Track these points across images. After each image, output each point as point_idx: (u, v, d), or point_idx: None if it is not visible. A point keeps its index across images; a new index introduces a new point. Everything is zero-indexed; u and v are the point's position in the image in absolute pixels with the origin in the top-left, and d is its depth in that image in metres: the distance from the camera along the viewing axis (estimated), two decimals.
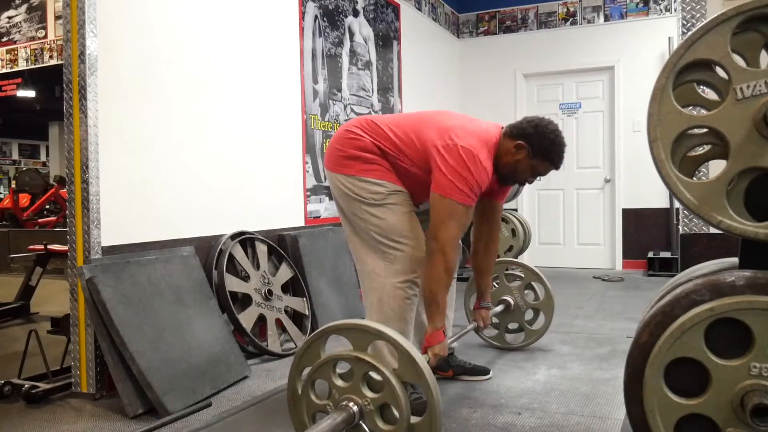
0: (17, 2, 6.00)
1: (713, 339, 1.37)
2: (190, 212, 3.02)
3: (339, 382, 1.65)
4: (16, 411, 2.41)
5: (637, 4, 6.12)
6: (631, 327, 3.48)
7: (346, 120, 4.46)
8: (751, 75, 1.36)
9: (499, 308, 3.05)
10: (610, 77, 6.26)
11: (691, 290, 1.40)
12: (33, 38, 5.95)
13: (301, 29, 4.01)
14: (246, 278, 3.19)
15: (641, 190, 6.07)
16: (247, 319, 3.05)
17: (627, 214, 6.21)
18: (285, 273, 3.46)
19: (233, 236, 3.22)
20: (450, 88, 6.59)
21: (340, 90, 4.45)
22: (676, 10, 5.75)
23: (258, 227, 3.47)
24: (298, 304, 3.46)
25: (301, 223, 3.97)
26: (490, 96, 6.71)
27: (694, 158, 1.48)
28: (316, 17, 4.16)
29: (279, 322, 3.27)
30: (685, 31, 3.41)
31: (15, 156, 18.41)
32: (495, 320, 3.12)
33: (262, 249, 3.37)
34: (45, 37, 5.89)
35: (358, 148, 2.23)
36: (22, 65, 6.07)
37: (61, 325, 2.85)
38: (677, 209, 5.58)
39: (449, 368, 2.66)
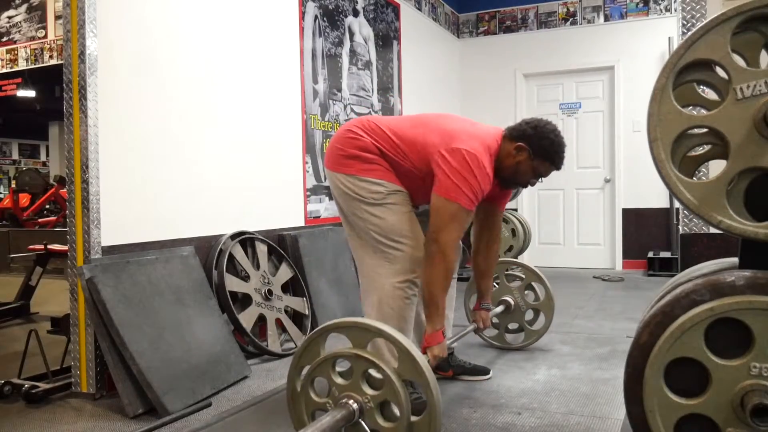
0: (17, 2, 6.00)
1: (713, 339, 1.37)
2: (190, 212, 3.02)
3: (339, 380, 1.65)
4: (16, 411, 2.41)
5: (637, 4, 6.12)
6: (631, 327, 3.48)
7: (346, 120, 4.46)
8: (751, 75, 1.36)
9: (500, 309, 3.05)
10: (610, 77, 6.26)
11: (691, 290, 1.40)
12: (33, 38, 5.95)
13: (301, 29, 4.01)
14: (246, 278, 3.19)
15: (641, 190, 6.07)
16: (247, 319, 3.05)
17: (627, 214, 6.21)
18: (285, 273, 3.46)
19: (233, 236, 3.22)
20: (450, 88, 6.59)
21: (340, 90, 4.45)
22: (676, 10, 5.75)
23: (258, 227, 3.47)
24: (298, 304, 3.46)
25: (301, 223, 3.97)
26: (490, 96, 6.71)
27: (694, 158, 1.49)
28: (316, 17, 4.16)
29: (279, 322, 3.27)
30: (685, 31, 3.41)
31: (15, 156, 18.41)
32: (495, 320, 3.12)
33: (262, 249, 3.37)
34: (45, 37, 5.89)
35: (358, 148, 2.23)
36: (22, 65, 6.07)
37: (61, 325, 2.84)
38: (677, 209, 5.58)
39: (449, 368, 2.66)
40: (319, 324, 3.42)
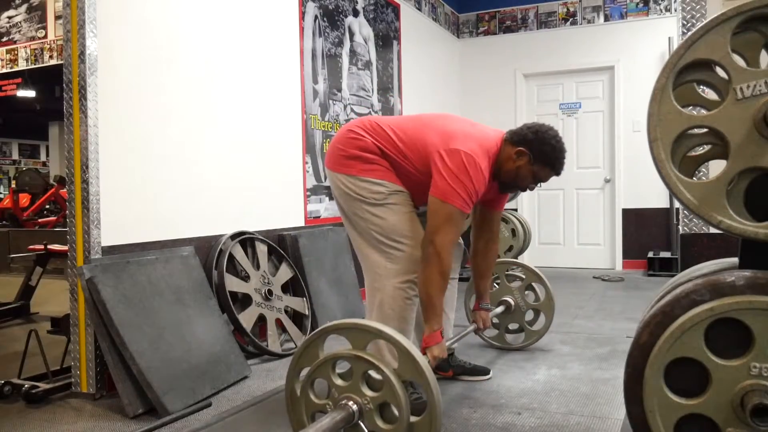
0: (17, 2, 6.00)
1: (713, 339, 1.37)
2: (190, 212, 3.02)
3: (338, 382, 1.65)
4: (16, 411, 2.41)
5: (637, 4, 6.12)
6: (631, 327, 3.48)
7: (346, 120, 4.46)
8: (751, 75, 1.36)
9: (500, 309, 3.05)
10: (610, 77, 6.26)
11: (691, 290, 1.40)
12: (33, 38, 5.95)
13: (301, 29, 4.01)
14: (246, 278, 3.19)
15: (641, 190, 6.07)
16: (247, 319, 3.05)
17: (627, 214, 6.21)
18: (285, 273, 3.46)
19: (233, 236, 3.22)
20: (450, 88, 6.59)
21: (340, 90, 4.45)
22: (676, 10, 5.75)
23: (258, 227, 3.47)
24: (298, 304, 3.46)
25: (301, 223, 3.97)
26: (490, 96, 6.71)
27: (694, 158, 1.49)
28: (316, 17, 4.16)
29: (279, 322, 3.27)
30: (685, 31, 3.41)
31: (15, 156, 18.41)
32: (495, 321, 3.12)
33: (262, 249, 3.37)
34: (45, 37, 5.89)
35: (359, 148, 2.23)
36: (22, 65, 6.07)
37: (61, 325, 2.84)
38: (677, 209, 5.58)
39: (449, 368, 2.66)
40: (319, 324, 3.42)
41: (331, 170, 2.31)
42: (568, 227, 6.52)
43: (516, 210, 6.36)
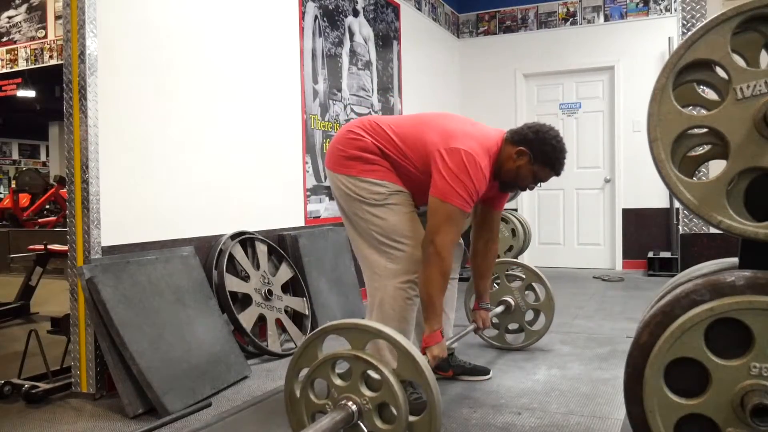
0: (17, 2, 6.00)
1: (713, 339, 1.37)
2: (190, 212, 3.02)
3: (338, 382, 1.65)
4: (16, 411, 2.41)
5: (637, 4, 6.12)
6: (631, 327, 3.48)
7: (346, 120, 4.46)
8: (751, 75, 1.36)
9: (500, 309, 3.05)
10: (610, 77, 6.26)
11: (691, 290, 1.40)
12: (33, 38, 5.95)
13: (301, 29, 4.01)
14: (246, 278, 3.19)
15: (641, 190, 6.07)
16: (247, 319, 3.05)
17: (627, 214, 6.21)
18: (285, 273, 3.46)
19: (233, 236, 3.22)
20: (450, 88, 6.59)
21: (340, 90, 4.45)
22: (676, 10, 5.75)
23: (258, 227, 3.47)
24: (298, 304, 3.46)
25: (301, 223, 3.97)
26: (490, 96, 6.71)
27: (694, 158, 1.49)
28: (316, 17, 4.16)
29: (279, 322, 3.27)
30: (685, 31, 3.41)
31: (15, 156, 18.41)
32: (495, 321, 3.12)
33: (262, 249, 3.37)
34: (45, 37, 5.90)
35: (359, 149, 2.23)
36: (22, 65, 6.08)
37: (61, 325, 2.84)
38: (677, 209, 5.58)
39: (449, 368, 2.66)
40: (319, 324, 3.42)
41: (331, 171, 2.31)
42: (568, 227, 6.52)
43: (516, 210, 6.36)
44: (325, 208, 4.21)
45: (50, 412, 2.39)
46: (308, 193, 4.05)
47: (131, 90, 2.71)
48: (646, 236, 6.12)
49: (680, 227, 3.63)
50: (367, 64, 4.83)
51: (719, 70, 1.41)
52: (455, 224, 2.09)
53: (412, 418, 1.59)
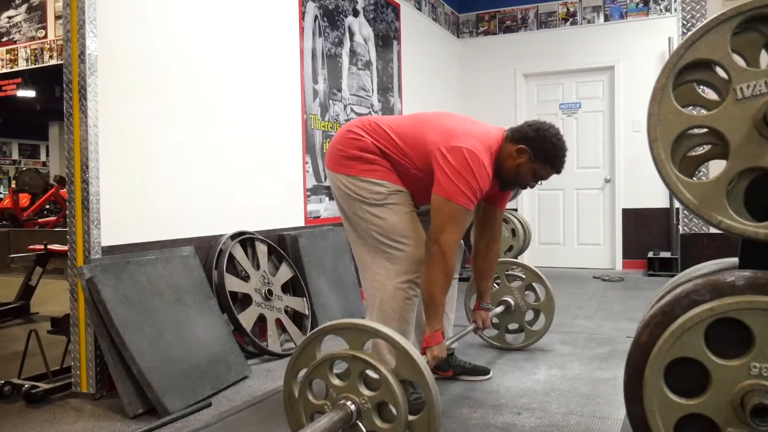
0: (17, 2, 6.00)
1: (713, 339, 1.37)
2: (190, 212, 3.02)
3: (336, 382, 1.65)
4: (16, 411, 2.41)
5: (637, 4, 6.12)
6: (631, 327, 3.48)
7: (346, 120, 4.46)
8: (751, 75, 1.36)
9: (500, 309, 3.05)
10: (610, 77, 6.26)
11: (691, 290, 1.40)
12: (33, 38, 5.95)
13: (301, 29, 4.01)
14: (246, 278, 3.19)
15: (641, 190, 6.07)
16: (247, 319, 3.05)
17: (627, 214, 6.21)
18: (285, 273, 3.46)
19: (233, 236, 3.22)
20: (450, 88, 6.59)
21: (340, 90, 4.45)
22: (676, 10, 5.75)
23: (258, 227, 3.47)
24: (298, 304, 3.46)
25: (301, 223, 3.97)
26: (490, 96, 6.71)
27: (694, 158, 1.49)
28: (316, 17, 4.16)
29: (279, 322, 3.27)
30: (685, 31, 3.41)
31: (15, 156, 18.41)
32: (495, 321, 3.12)
33: (262, 249, 3.37)
34: (45, 37, 5.89)
35: (359, 149, 2.23)
36: (22, 65, 6.07)
37: (61, 325, 2.84)
38: (677, 209, 5.58)
39: (449, 368, 2.66)
40: (319, 324, 3.42)
41: (331, 171, 2.31)
42: (568, 227, 6.52)
43: (516, 210, 6.36)
44: (325, 208, 4.21)
45: (50, 412, 2.39)
46: (308, 193, 4.05)
47: (131, 90, 2.71)
48: (646, 236, 6.12)
49: (680, 227, 3.63)
50: (367, 64, 4.83)
51: (719, 70, 1.41)
52: (459, 223, 2.09)
53: (410, 418, 1.59)
